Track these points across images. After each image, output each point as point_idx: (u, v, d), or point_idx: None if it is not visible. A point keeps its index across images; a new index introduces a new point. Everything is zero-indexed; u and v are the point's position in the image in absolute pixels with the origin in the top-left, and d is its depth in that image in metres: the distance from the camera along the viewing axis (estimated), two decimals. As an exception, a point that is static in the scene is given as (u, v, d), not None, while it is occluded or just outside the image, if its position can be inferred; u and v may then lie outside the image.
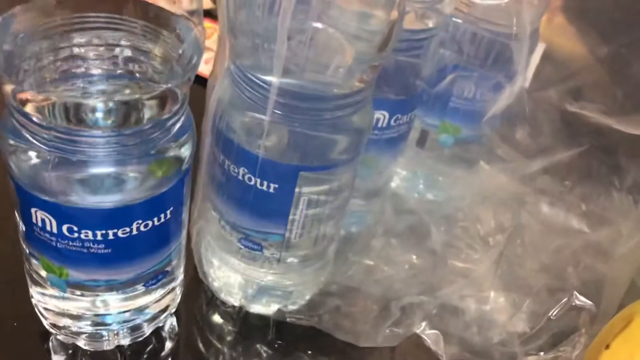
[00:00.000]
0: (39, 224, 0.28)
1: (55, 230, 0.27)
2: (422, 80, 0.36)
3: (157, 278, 0.32)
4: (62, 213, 0.27)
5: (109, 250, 0.28)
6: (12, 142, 0.27)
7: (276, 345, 0.39)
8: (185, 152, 0.29)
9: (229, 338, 0.39)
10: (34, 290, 0.33)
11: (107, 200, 0.27)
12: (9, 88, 0.25)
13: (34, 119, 0.25)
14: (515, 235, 0.41)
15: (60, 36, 0.25)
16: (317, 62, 0.28)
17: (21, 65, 0.25)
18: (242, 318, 0.39)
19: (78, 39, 0.26)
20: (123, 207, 0.27)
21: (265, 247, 0.35)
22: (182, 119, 0.29)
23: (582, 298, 0.38)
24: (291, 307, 0.39)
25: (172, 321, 0.38)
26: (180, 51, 0.27)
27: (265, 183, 0.32)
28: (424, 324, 0.39)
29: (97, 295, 0.31)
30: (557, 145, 0.40)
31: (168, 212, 0.29)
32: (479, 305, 0.40)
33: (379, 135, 0.39)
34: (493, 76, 0.35)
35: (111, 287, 0.31)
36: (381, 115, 0.38)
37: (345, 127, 0.31)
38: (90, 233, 0.27)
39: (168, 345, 0.38)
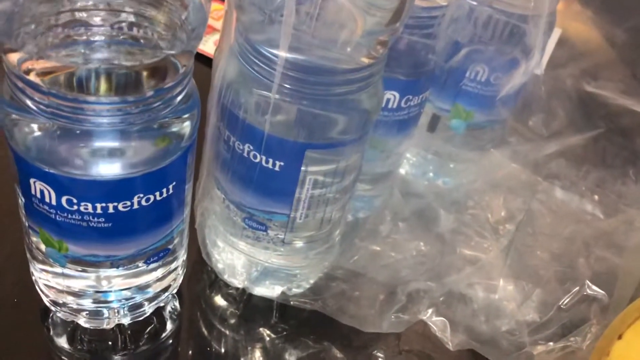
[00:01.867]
0: (38, 195, 0.27)
1: (54, 202, 0.27)
2: (435, 56, 0.35)
3: (158, 255, 0.31)
4: (61, 184, 0.26)
5: (109, 225, 0.28)
6: (11, 111, 0.26)
7: (279, 329, 0.38)
8: (188, 126, 0.28)
9: (231, 321, 0.38)
10: (34, 267, 0.33)
11: (107, 172, 0.26)
12: (12, 56, 0.24)
13: (37, 86, 0.24)
14: (525, 223, 0.40)
15: (62, 0, 0.25)
16: (325, 35, 0.27)
17: (22, 29, 0.24)
18: (245, 300, 0.39)
19: (80, 3, 0.25)
20: (123, 180, 0.27)
21: (270, 227, 0.34)
22: (185, 91, 0.28)
23: (594, 287, 0.37)
24: (295, 291, 0.38)
25: (175, 302, 0.38)
26: (184, 18, 0.26)
27: (270, 160, 0.31)
28: (430, 310, 0.38)
29: (97, 272, 0.31)
30: (572, 128, 0.39)
31: (170, 187, 0.29)
32: (487, 293, 0.39)
33: (388, 117, 0.38)
34: (507, 53, 0.34)
35: (111, 263, 0.30)
36: (391, 96, 0.37)
37: (354, 105, 0.30)
38: (89, 206, 0.27)
39: (169, 326, 0.37)
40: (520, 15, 0.35)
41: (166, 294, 0.35)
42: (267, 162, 0.31)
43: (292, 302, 0.38)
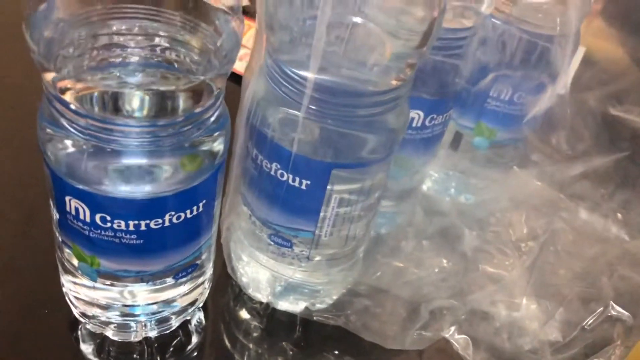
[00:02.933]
0: (73, 212, 0.28)
1: (88, 219, 0.28)
2: (462, 79, 0.35)
3: (186, 271, 0.32)
4: (95, 202, 0.27)
5: (141, 241, 0.29)
6: (49, 130, 0.27)
7: (302, 344, 0.38)
8: (219, 146, 0.29)
9: (255, 334, 0.39)
10: (65, 279, 0.34)
11: (140, 190, 0.27)
12: (48, 75, 0.25)
13: (72, 106, 0.25)
14: (549, 242, 0.40)
15: (99, 24, 0.25)
16: (354, 58, 0.27)
17: (60, 52, 0.25)
18: (269, 315, 0.39)
19: (117, 27, 0.26)
20: (156, 199, 0.27)
21: (295, 244, 0.34)
22: (217, 113, 0.29)
23: (618, 308, 0.37)
24: (318, 306, 0.39)
25: (200, 315, 0.38)
26: (218, 44, 0.27)
27: (297, 179, 0.31)
28: (452, 328, 0.38)
29: (127, 286, 0.32)
30: (597, 150, 0.39)
31: (200, 205, 0.29)
32: (510, 311, 0.39)
33: (413, 135, 0.38)
34: (534, 77, 0.34)
35: (141, 278, 0.31)
36: (416, 115, 0.37)
37: (380, 126, 0.31)
38: (122, 223, 0.28)
39: (195, 339, 0.38)
40: (547, 36, 0.35)
41: (193, 307, 0.36)
42: (293, 180, 0.32)
43: (315, 318, 0.39)
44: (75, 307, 0.34)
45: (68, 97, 0.25)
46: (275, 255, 0.36)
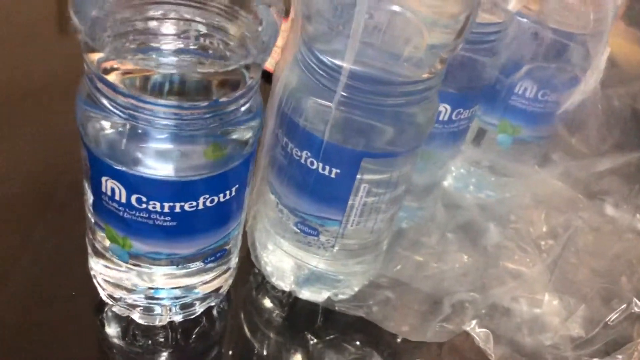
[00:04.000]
0: (109, 193, 0.28)
1: (124, 200, 0.28)
2: (489, 75, 0.36)
3: (215, 255, 0.33)
4: (132, 183, 0.27)
5: (174, 223, 0.29)
6: (88, 110, 0.27)
7: (323, 334, 0.39)
8: (252, 134, 0.30)
9: (276, 323, 0.39)
10: (94, 262, 0.34)
11: (176, 173, 0.27)
12: (92, 55, 0.25)
13: (113, 86, 0.25)
14: (570, 241, 0.40)
15: (142, 7, 0.26)
16: (391, 48, 0.28)
17: (104, 33, 0.26)
18: (290, 304, 0.40)
19: (158, 11, 0.26)
20: (191, 181, 0.28)
21: (322, 232, 0.35)
22: (251, 101, 0.29)
23: (641, 305, 0.37)
24: (341, 296, 0.39)
25: (224, 303, 0.39)
26: (257, 32, 0.27)
27: (327, 168, 0.32)
28: (474, 322, 0.38)
29: (156, 269, 0.32)
30: (625, 146, 0.39)
31: (233, 189, 0.30)
32: (531, 307, 0.39)
33: (439, 129, 0.38)
34: (562, 74, 0.34)
35: (172, 260, 0.31)
36: (443, 109, 0.38)
37: (411, 117, 0.31)
38: (158, 204, 0.28)
39: (217, 326, 0.38)
40: (577, 35, 0.36)
41: (217, 294, 0.36)
42: (323, 169, 0.32)
43: (337, 308, 0.39)
44: (104, 289, 0.35)
45: (111, 77, 0.26)
46: (301, 243, 0.36)
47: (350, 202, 0.33)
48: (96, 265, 0.34)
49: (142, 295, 0.34)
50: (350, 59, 0.27)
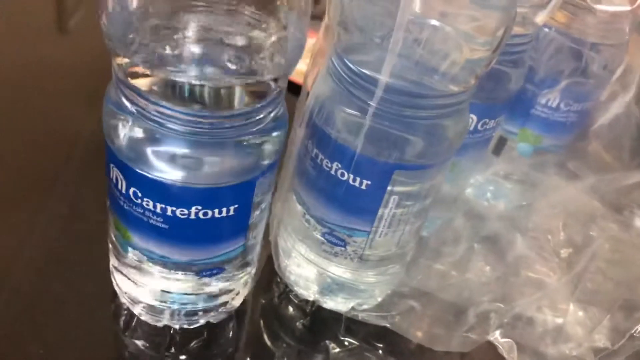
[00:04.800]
0: (114, 180, 0.29)
1: (124, 190, 0.29)
2: (515, 86, 0.36)
3: (211, 271, 0.32)
4: (130, 175, 0.28)
5: (166, 226, 0.29)
6: (110, 106, 0.28)
7: (346, 343, 0.39)
8: (275, 144, 0.30)
9: (298, 332, 0.39)
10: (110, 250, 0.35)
11: (172, 176, 0.28)
12: (120, 59, 0.26)
13: (131, 86, 0.26)
14: (596, 251, 0.40)
15: (170, 15, 0.26)
16: (429, 62, 0.27)
17: (132, 39, 0.26)
18: (313, 313, 0.40)
19: (187, 19, 0.26)
20: (184, 187, 0.28)
21: (349, 243, 0.35)
22: (276, 111, 0.29)
23: (668, 317, 0.37)
24: (364, 306, 0.39)
25: (232, 321, 0.38)
26: (284, 41, 0.27)
27: (358, 179, 0.32)
28: (497, 332, 0.39)
29: (152, 268, 0.32)
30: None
31: (231, 208, 0.29)
32: (555, 317, 0.39)
33: (465, 139, 0.38)
34: (604, 84, 0.34)
35: (164, 264, 0.31)
36: (470, 119, 0.38)
37: (443, 129, 0.31)
38: (150, 203, 0.28)
39: (237, 334, 0.38)
40: (607, 46, 0.36)
41: (221, 309, 0.36)
42: (354, 180, 0.32)
43: (360, 317, 0.39)
44: (114, 277, 0.35)
45: (134, 81, 0.26)
46: (327, 254, 0.36)
47: (379, 213, 0.33)
48: (110, 254, 0.34)
49: (144, 292, 0.34)
50: (387, 72, 0.27)
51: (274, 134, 0.29)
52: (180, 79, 0.26)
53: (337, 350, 0.38)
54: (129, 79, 0.26)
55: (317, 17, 0.31)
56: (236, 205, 0.30)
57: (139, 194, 0.28)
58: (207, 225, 0.30)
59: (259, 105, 0.27)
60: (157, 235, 0.30)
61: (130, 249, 0.31)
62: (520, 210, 0.48)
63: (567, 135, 0.44)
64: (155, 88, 0.26)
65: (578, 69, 0.38)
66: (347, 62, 0.30)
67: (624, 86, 0.32)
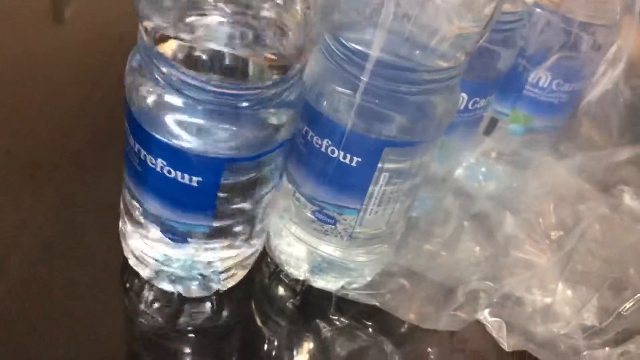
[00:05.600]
0: (128, 136, 0.30)
1: (134, 146, 0.30)
2: (506, 65, 0.36)
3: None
4: (135, 130, 0.29)
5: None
6: (134, 64, 0.29)
7: (336, 322, 0.39)
8: (290, 120, 0.30)
9: (288, 311, 0.39)
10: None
11: (170, 138, 0.28)
12: (147, 24, 0.26)
13: (157, 55, 0.26)
14: (585, 231, 0.40)
15: None
16: (419, 37, 0.27)
17: (161, 4, 0.26)
18: (303, 292, 0.40)
19: None
20: (180, 150, 0.28)
21: (339, 221, 0.35)
22: (294, 87, 0.29)
23: (655, 295, 0.37)
24: (354, 285, 0.39)
25: (223, 303, 0.38)
26: (306, 18, 0.27)
27: (348, 156, 0.32)
28: (486, 311, 0.39)
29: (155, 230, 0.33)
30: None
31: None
32: (544, 297, 0.39)
33: (456, 118, 0.38)
34: (591, 61, 0.34)
35: (167, 228, 0.32)
36: (460, 97, 0.37)
37: (434, 106, 0.31)
38: (154, 160, 0.29)
39: (229, 314, 0.38)
40: (598, 25, 0.35)
41: (227, 274, 0.36)
42: (344, 157, 0.32)
43: (350, 296, 0.39)
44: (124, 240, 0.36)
45: (160, 46, 0.26)
46: (317, 232, 0.36)
47: (369, 191, 0.33)
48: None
49: (152, 258, 0.35)
50: (378, 48, 0.27)
51: (292, 110, 0.30)
52: (208, 46, 0.26)
53: (328, 328, 0.38)
54: (155, 45, 0.26)
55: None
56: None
57: (143, 152, 0.29)
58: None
59: (280, 80, 0.28)
60: (158, 196, 0.31)
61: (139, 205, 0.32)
62: (512, 191, 0.48)
63: (558, 115, 0.44)
64: (180, 55, 0.26)
65: (567, 47, 0.38)
66: (338, 38, 0.29)
67: (613, 64, 0.32)
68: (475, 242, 0.44)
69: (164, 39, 0.26)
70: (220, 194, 0.30)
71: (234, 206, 0.32)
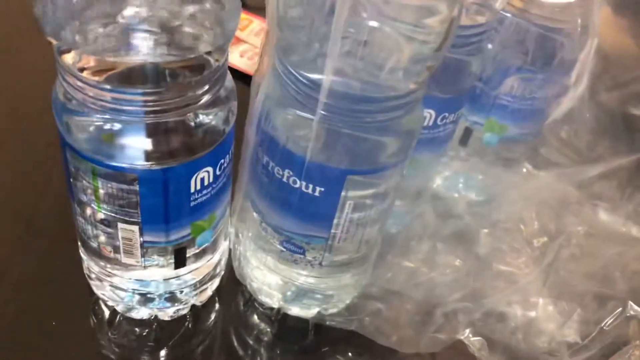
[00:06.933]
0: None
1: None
2: (475, 76, 0.35)
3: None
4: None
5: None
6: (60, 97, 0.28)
7: (314, 349, 0.38)
8: (220, 121, 0.29)
9: (266, 339, 0.38)
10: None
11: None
12: (64, 57, 0.26)
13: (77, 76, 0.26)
14: (564, 242, 0.39)
15: (105, 3, 0.26)
16: (371, 63, 0.26)
17: (73, 32, 0.25)
18: (280, 320, 0.39)
19: (122, 4, 0.26)
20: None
21: (308, 250, 0.34)
22: (219, 86, 0.29)
23: (637, 308, 0.36)
24: (331, 310, 0.38)
25: (198, 331, 0.38)
26: (219, 15, 0.27)
27: (311, 186, 0.31)
28: (467, 330, 0.38)
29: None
30: (617, 151, 0.38)
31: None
32: (525, 311, 0.38)
33: (424, 135, 0.37)
34: (555, 77, 0.33)
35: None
36: (428, 114, 0.36)
37: (396, 130, 0.30)
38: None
39: (206, 344, 0.37)
40: (564, 30, 0.34)
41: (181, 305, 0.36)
42: (307, 187, 0.31)
43: (327, 322, 0.38)
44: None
45: (83, 73, 0.26)
46: (287, 261, 0.35)
47: (335, 219, 0.32)
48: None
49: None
50: (329, 77, 0.26)
51: (219, 111, 0.29)
52: (119, 61, 0.26)
53: (307, 356, 0.38)
54: (78, 73, 0.26)
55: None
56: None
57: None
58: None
59: (197, 80, 0.27)
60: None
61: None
62: (492, 202, 0.47)
63: (533, 122, 0.42)
64: (104, 77, 0.26)
65: (536, 55, 0.36)
66: (290, 66, 0.28)
67: (576, 82, 0.31)
68: (455, 256, 0.43)
69: (82, 67, 0.26)
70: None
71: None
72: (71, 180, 0.30)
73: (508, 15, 0.38)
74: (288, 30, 0.28)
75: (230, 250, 0.39)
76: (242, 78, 0.33)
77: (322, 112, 0.28)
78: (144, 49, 0.26)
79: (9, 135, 0.48)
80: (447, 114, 0.37)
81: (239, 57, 0.55)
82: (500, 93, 0.40)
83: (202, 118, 0.29)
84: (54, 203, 0.42)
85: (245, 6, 0.64)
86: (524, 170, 0.48)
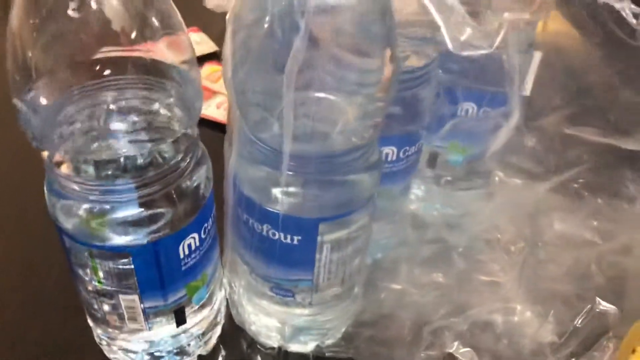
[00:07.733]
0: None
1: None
2: (428, 107, 0.38)
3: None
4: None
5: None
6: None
7: (318, 380, 0.40)
8: (200, 189, 0.32)
9: (271, 376, 0.41)
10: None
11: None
12: (45, 154, 0.29)
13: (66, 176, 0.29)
14: (534, 244, 0.42)
15: (78, 102, 0.28)
16: (323, 129, 0.29)
17: (52, 132, 0.28)
18: (282, 357, 0.41)
19: (94, 101, 0.28)
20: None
21: (296, 292, 0.37)
22: (195, 154, 0.32)
23: (604, 304, 0.39)
24: (328, 342, 0.41)
25: None
26: (182, 96, 0.29)
27: (288, 236, 0.34)
28: (456, 343, 0.40)
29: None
30: (561, 167, 0.41)
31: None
32: (507, 317, 0.41)
33: (389, 168, 0.40)
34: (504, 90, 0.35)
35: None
36: (390, 151, 0.39)
37: (356, 177, 0.33)
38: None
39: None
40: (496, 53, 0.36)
41: None
42: (285, 238, 0.34)
43: (326, 353, 0.41)
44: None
45: (63, 169, 0.29)
46: (279, 304, 0.38)
47: (316, 262, 0.35)
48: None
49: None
50: (288, 147, 0.29)
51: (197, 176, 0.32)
52: (100, 158, 0.29)
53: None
54: (57, 168, 0.29)
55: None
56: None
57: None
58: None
59: (180, 157, 0.31)
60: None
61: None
62: (468, 215, 0.49)
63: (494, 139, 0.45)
64: (88, 170, 0.29)
65: (480, 75, 0.39)
66: (252, 137, 0.31)
67: (505, 115, 0.34)
68: (438, 273, 0.45)
69: (61, 163, 0.29)
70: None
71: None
72: (72, 260, 0.33)
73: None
74: (245, 109, 0.31)
75: (227, 299, 0.42)
76: (222, 129, 0.36)
77: (289, 173, 0.31)
78: (123, 142, 0.29)
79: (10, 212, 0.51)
80: (408, 147, 0.40)
81: (216, 109, 0.59)
82: (456, 117, 0.43)
83: (184, 187, 0.32)
84: (61, 273, 0.45)
85: (217, 57, 0.67)
86: (496, 179, 0.51)
